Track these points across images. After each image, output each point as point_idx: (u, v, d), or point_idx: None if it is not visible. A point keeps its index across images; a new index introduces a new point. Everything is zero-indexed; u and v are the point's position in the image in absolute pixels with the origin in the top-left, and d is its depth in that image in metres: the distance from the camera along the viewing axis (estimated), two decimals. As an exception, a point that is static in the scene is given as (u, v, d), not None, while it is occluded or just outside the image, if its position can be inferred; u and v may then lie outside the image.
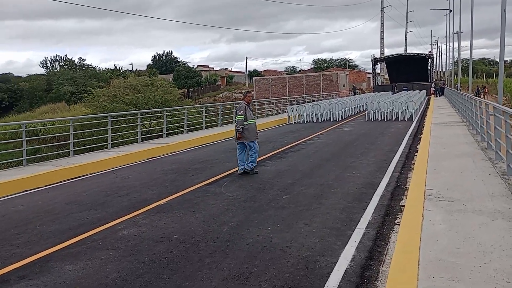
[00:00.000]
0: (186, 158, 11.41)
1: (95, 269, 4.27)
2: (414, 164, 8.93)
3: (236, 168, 9.18)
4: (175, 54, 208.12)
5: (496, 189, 5.96)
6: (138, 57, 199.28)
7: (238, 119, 8.73)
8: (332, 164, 9.53)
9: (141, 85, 37.16)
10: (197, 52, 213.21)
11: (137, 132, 27.20)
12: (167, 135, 16.27)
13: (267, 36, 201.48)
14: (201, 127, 18.62)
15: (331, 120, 22.28)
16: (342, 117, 22.86)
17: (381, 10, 75.61)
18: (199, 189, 7.58)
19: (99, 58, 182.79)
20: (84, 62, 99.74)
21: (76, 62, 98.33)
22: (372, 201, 6.33)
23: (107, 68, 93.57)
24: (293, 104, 27.82)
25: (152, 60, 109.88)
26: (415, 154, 10.33)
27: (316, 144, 13.20)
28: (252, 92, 9.31)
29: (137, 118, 28.74)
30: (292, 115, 22.44)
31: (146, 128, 29.09)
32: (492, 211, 5.00)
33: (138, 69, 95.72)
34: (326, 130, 17.41)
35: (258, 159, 9.28)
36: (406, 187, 7.09)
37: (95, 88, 41.55)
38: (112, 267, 4.30)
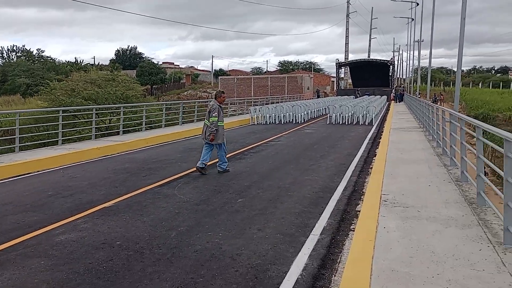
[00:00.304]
0: (141, 157, 10.94)
1: (22, 280, 3.85)
2: (372, 168, 8.92)
3: (193, 169, 8.87)
4: (140, 49, 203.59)
5: (450, 196, 5.95)
6: (102, 51, 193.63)
7: (213, 121, 8.52)
8: (291, 167, 9.37)
9: (102, 80, 36.00)
10: (163, 48, 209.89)
11: (94, 128, 26.34)
12: (125, 132, 15.67)
13: (235, 36, 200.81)
14: (161, 125, 18.10)
15: (294, 122, 22.27)
16: (304, 120, 22.91)
17: (346, 16, 77.10)
18: (151, 191, 7.20)
19: (60, 50, 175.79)
20: (43, 54, 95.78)
21: (34, 53, 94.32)
22: (328, 206, 6.19)
23: (67, 61, 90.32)
24: (257, 105, 27.68)
25: (115, 54, 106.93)
26: (374, 158, 10.36)
27: (276, 146, 13.05)
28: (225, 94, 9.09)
29: (96, 114, 27.86)
30: (255, 116, 22.26)
31: (105, 124, 28.21)
32: (446, 218, 4.95)
33: (100, 64, 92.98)
34: (288, 132, 17.33)
35: (215, 160, 9.11)
36: (363, 192, 7.01)
37: (53, 81, 39.93)
38: (41, 278, 3.89)
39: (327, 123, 21.41)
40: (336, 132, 17.03)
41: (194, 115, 21.02)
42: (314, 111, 26.15)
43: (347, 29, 75.85)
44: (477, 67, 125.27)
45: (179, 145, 13.44)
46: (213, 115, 8.51)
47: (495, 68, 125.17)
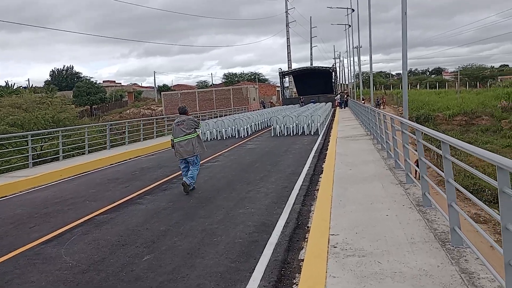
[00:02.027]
0: (43, 196, 8.96)
1: None
2: (318, 190, 7.59)
3: (100, 210, 7.12)
4: (81, 69, 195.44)
5: (415, 231, 4.66)
6: (39, 73, 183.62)
7: (192, 137, 8.55)
8: (224, 196, 7.84)
9: (29, 103, 32.87)
10: (105, 67, 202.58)
11: (26, 156, 23.50)
12: (54, 159, 13.50)
13: (179, 51, 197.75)
14: (84, 151, 15.98)
15: (237, 136, 20.82)
16: (248, 133, 21.53)
17: (286, 25, 77.49)
18: (30, 251, 5.38)
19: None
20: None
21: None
22: (264, 256, 4.70)
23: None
24: (202, 120, 26.01)
25: (50, 75, 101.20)
26: (320, 176, 9.08)
27: (212, 168, 11.48)
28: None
29: (26, 141, 24.98)
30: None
31: (37, 151, 25.34)
32: (417, 274, 3.60)
33: (33, 86, 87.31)
34: (228, 149, 15.82)
35: (136, 193, 8.27)
36: (307, 227, 5.60)
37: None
38: None
39: (272, 135, 20.15)
40: (280, 146, 15.74)
41: (121, 136, 18.99)
42: (258, 123, 24.88)
43: (287, 38, 76.19)
44: (413, 70, 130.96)
45: (99, 175, 11.52)
46: (199, 125, 8.81)
47: (430, 70, 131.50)
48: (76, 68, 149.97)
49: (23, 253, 5.32)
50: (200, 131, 8.54)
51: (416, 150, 5.87)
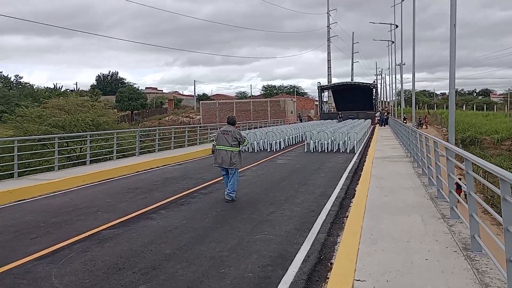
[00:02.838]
0: (57, 203, 8.59)
1: None
2: (347, 218, 6.77)
3: (109, 224, 6.63)
4: (126, 75, 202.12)
5: (461, 285, 3.80)
6: (87, 78, 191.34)
7: (235, 149, 8.53)
8: (244, 217, 7.16)
9: (70, 106, 33.72)
10: (150, 74, 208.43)
11: (66, 156, 23.86)
12: (93, 161, 13.40)
13: (221, 61, 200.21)
14: (113, 156, 15.80)
15: (268, 150, 20.14)
16: (281, 147, 20.81)
17: (327, 40, 76.55)
18: (20, 268, 4.90)
19: (46, 77, 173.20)
20: (21, 80, 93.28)
21: (12, 79, 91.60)
22: (274, 299, 3.98)
23: (45, 87, 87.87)
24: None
25: (96, 80, 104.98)
26: (352, 200, 8.24)
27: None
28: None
29: (66, 142, 25.50)
30: (225, 143, 20.05)
31: (75, 153, 25.79)
32: None
33: (80, 89, 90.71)
34: (257, 163, 15.16)
35: (152, 206, 7.90)
36: (330, 264, 4.83)
37: (22, 108, 37.73)
38: None
39: (305, 151, 19.34)
40: (312, 163, 14.92)
41: (155, 142, 18.78)
42: (292, 137, 24.12)
43: (328, 53, 75.13)
44: (459, 90, 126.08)
45: (121, 183, 11.14)
46: (243, 139, 8.67)
47: (477, 91, 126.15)
48: (122, 75, 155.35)
49: (12, 270, 4.84)
50: (246, 143, 8.55)
51: (461, 179, 5.00)
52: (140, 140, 20.58)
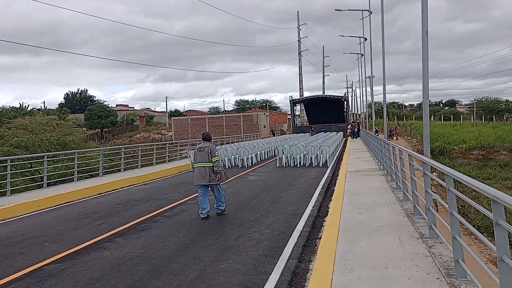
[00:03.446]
0: (1, 233, 7.74)
1: None
2: (320, 240, 6.26)
3: (57, 256, 5.88)
4: (97, 93, 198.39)
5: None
6: (57, 96, 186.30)
7: (216, 160, 8.44)
8: (208, 243, 6.54)
9: (34, 125, 32.38)
10: (121, 91, 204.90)
11: (30, 178, 22.46)
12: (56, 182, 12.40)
13: (194, 77, 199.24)
14: (73, 178, 14.87)
15: (240, 166, 19.57)
16: (252, 163, 20.27)
17: (298, 54, 77.32)
18: None
19: (14, 96, 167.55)
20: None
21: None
22: None
23: (11, 106, 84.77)
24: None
25: (64, 98, 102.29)
26: (325, 219, 7.76)
27: (205, 203, 10.21)
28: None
29: (28, 163, 24.06)
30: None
31: (40, 174, 24.45)
32: None
33: (47, 108, 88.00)
34: (227, 180, 14.53)
35: (108, 233, 7.39)
36: (302, 298, 4.28)
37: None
38: None
39: (277, 166, 18.86)
40: (284, 179, 14.44)
41: (113, 161, 17.91)
42: (264, 152, 23.64)
43: (300, 67, 75.85)
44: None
45: (79, 207, 10.31)
46: (216, 154, 8.49)
47: (443, 102, 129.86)
48: (93, 93, 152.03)
49: None
50: (219, 159, 8.70)
51: (439, 193, 4.58)
52: (109, 159, 19.64)
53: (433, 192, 5.81)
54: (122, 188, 13.70)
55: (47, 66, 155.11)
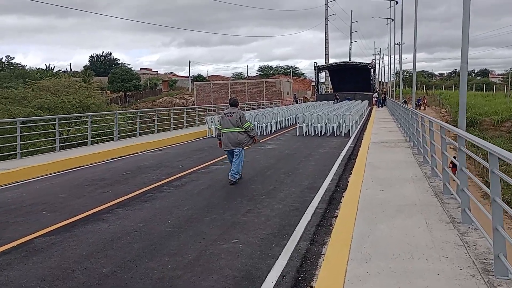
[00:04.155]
0: (1, 199, 7.42)
1: None
2: (336, 219, 5.64)
3: (51, 227, 5.47)
4: (122, 56, 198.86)
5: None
6: (83, 59, 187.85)
7: (248, 126, 8.56)
8: (213, 218, 6.02)
9: (56, 87, 32.40)
10: (146, 55, 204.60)
11: (53, 139, 22.67)
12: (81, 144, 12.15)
13: (218, 42, 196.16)
14: (87, 142, 14.58)
15: (258, 134, 18.93)
16: (271, 131, 19.60)
17: (325, 19, 74.67)
18: None
19: (41, 58, 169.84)
20: (13, 61, 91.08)
21: (3, 60, 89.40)
22: None
23: (37, 67, 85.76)
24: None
25: (89, 61, 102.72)
26: (342, 196, 7.11)
27: (216, 172, 9.69)
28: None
29: (52, 124, 24.26)
30: (213, 127, 18.84)
31: (64, 135, 24.70)
32: None
33: (73, 70, 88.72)
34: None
35: (110, 202, 6.99)
36: (310, 290, 3.71)
37: (10, 88, 36.60)
38: None
39: (297, 134, 18.14)
40: (303, 148, 13.75)
41: (154, 124, 17.54)
42: (285, 119, 22.89)
43: (326, 32, 73.39)
44: (457, 70, 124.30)
45: (87, 173, 9.96)
46: (247, 119, 8.58)
47: (475, 71, 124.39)
48: (119, 56, 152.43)
49: None
50: (251, 123, 8.92)
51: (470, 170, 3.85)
52: (130, 122, 19.27)
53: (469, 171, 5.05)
54: (136, 153, 13.34)
55: (73, 28, 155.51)
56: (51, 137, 19.67)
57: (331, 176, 9.02)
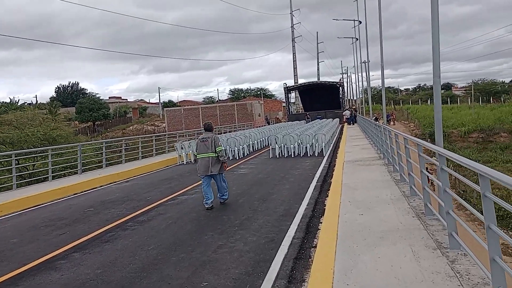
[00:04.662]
0: None
1: None
2: (315, 250, 5.19)
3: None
4: (91, 86, 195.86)
5: None
6: (49, 90, 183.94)
7: (220, 150, 8.46)
8: (181, 257, 5.44)
9: (20, 121, 31.17)
10: (115, 84, 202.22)
11: (16, 175, 21.43)
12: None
13: (188, 67, 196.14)
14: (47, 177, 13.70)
15: (231, 158, 18.43)
16: (243, 154, 19.12)
17: (292, 40, 75.81)
18: None
19: (7, 91, 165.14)
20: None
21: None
22: None
23: (1, 102, 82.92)
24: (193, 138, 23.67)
25: (55, 92, 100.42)
26: (320, 221, 6.68)
27: (186, 203, 9.11)
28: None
29: (11, 160, 23.15)
30: (183, 153, 18.23)
31: (29, 170, 23.48)
32: None
33: (38, 102, 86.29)
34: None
35: (66, 246, 6.13)
36: None
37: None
38: None
39: (270, 156, 17.75)
40: (276, 171, 13.33)
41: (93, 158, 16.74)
42: (257, 141, 22.51)
43: (293, 53, 74.42)
44: (421, 85, 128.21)
45: (45, 212, 9.17)
46: (219, 144, 8.54)
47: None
48: (88, 85, 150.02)
49: None
50: (223, 148, 8.98)
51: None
52: (98, 153, 18.35)
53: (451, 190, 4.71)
54: (101, 186, 12.60)
55: (39, 59, 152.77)
56: (7, 175, 18.61)
57: (307, 199, 8.60)
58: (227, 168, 8.91)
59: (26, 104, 78.99)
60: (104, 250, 5.98)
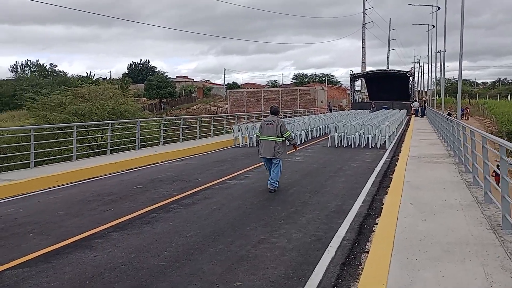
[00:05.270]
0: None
1: None
2: (366, 257, 4.57)
3: (27, 257, 4.69)
4: (162, 65, 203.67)
5: None
6: (124, 66, 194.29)
7: (289, 135, 8.59)
8: (218, 249, 5.06)
9: (90, 94, 32.78)
10: (185, 63, 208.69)
11: (85, 146, 22.76)
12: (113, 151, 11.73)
13: (255, 50, 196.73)
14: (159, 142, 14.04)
15: (287, 144, 17.84)
16: (301, 141, 18.48)
17: (362, 26, 72.82)
18: None
19: (86, 66, 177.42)
20: (56, 69, 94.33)
21: (47, 67, 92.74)
22: None
23: (78, 75, 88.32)
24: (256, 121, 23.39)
25: (128, 68, 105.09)
26: (375, 223, 6.00)
27: (234, 188, 8.75)
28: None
29: (84, 131, 24.53)
30: (240, 136, 17.97)
31: (96, 142, 24.80)
32: None
33: (112, 78, 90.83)
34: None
35: (107, 224, 6.15)
36: None
37: (45, 96, 37.64)
38: None
39: (328, 145, 16.97)
40: (333, 162, 12.61)
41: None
42: (317, 128, 21.73)
43: (363, 39, 71.56)
44: (501, 79, 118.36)
45: (94, 186, 9.26)
46: (286, 129, 8.53)
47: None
48: (159, 64, 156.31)
49: None
50: (291, 132, 9.03)
51: None
52: (162, 129, 18.73)
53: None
54: (156, 163, 12.64)
55: (116, 37, 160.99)
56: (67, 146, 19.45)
57: (363, 196, 7.88)
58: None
59: (100, 78, 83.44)
60: (143, 232, 5.76)
